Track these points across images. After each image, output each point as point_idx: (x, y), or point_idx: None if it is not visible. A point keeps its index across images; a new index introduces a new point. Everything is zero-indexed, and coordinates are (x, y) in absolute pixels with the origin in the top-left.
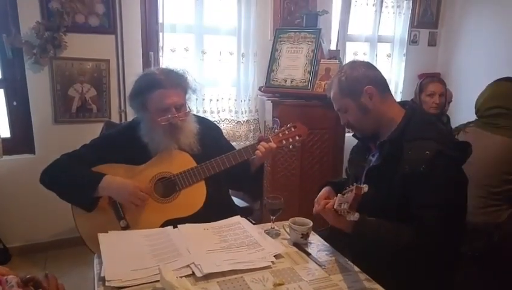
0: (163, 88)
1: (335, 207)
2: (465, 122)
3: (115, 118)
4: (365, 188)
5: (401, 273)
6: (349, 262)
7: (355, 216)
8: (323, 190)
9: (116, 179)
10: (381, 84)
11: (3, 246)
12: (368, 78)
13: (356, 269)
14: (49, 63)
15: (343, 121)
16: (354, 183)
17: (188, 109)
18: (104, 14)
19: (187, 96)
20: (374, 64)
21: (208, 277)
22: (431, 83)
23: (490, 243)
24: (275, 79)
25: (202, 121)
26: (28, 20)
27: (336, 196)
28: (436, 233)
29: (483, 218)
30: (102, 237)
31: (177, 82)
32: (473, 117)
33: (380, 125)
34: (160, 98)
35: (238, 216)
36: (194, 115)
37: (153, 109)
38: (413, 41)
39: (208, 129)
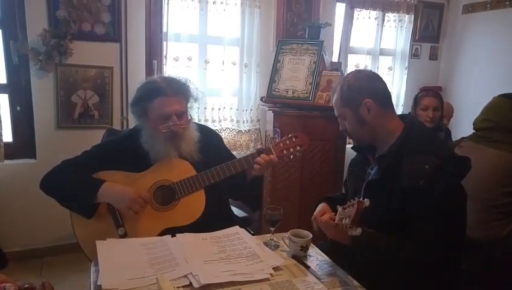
0: (164, 96)
1: (336, 222)
2: (463, 136)
3: (116, 125)
4: (367, 202)
5: (400, 288)
6: (348, 276)
7: (357, 231)
8: (319, 206)
9: (115, 185)
10: (382, 97)
11: (0, 251)
12: (369, 90)
13: (355, 283)
14: (54, 70)
15: (342, 128)
16: (356, 198)
17: (189, 117)
18: (110, 23)
19: (189, 104)
20: None
21: (205, 287)
22: (425, 97)
23: (492, 258)
24: (277, 90)
25: (203, 129)
26: (36, 27)
27: (332, 212)
28: (435, 248)
29: (485, 233)
30: (100, 244)
31: (178, 90)
32: None
33: (377, 138)
34: (161, 106)
35: (237, 226)
36: (195, 123)
37: (154, 117)
38: (414, 54)
39: (209, 137)
